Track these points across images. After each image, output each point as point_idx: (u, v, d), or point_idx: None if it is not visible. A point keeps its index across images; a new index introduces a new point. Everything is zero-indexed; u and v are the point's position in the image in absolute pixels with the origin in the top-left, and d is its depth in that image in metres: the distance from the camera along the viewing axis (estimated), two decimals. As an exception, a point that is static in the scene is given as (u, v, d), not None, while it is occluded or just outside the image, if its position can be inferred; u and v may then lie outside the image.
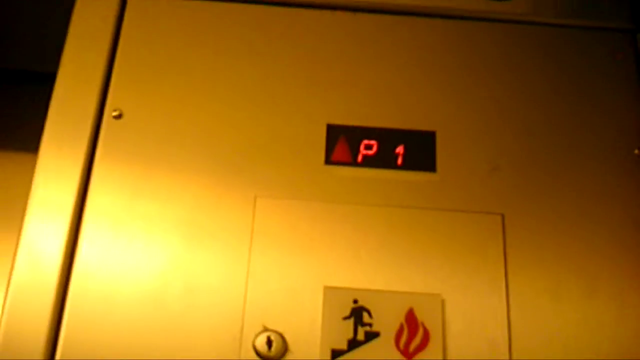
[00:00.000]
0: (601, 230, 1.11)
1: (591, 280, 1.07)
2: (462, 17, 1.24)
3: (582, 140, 1.16)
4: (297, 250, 1.05)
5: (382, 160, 1.12)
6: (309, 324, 1.01)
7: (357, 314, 1.01)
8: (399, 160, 1.12)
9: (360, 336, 1.00)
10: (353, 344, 1.00)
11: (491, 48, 1.22)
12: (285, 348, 0.99)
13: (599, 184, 1.14)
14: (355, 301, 1.02)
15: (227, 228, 1.06)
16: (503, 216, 1.09)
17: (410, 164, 1.12)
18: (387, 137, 1.13)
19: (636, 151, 1.16)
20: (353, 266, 1.05)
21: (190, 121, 1.13)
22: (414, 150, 1.13)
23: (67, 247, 1.05)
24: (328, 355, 0.99)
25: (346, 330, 1.01)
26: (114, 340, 1.00)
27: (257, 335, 1.00)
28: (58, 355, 0.99)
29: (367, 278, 1.04)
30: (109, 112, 1.13)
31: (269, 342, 0.99)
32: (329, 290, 1.03)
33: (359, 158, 1.12)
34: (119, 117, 1.12)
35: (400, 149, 1.12)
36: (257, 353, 0.99)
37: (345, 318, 1.01)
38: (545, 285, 1.06)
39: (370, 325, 1.01)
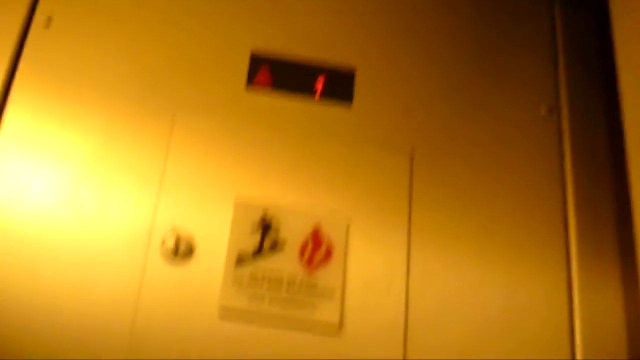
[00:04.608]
0: (505, 185, 1.16)
1: (488, 235, 1.12)
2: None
3: (496, 93, 1.22)
4: (211, 164, 1.08)
5: (302, 90, 1.16)
6: (217, 232, 1.04)
7: (265, 226, 1.04)
8: (318, 92, 1.16)
9: (267, 246, 1.03)
10: (259, 252, 1.03)
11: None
12: (192, 249, 1.02)
13: (507, 137, 1.19)
14: (264, 215, 1.05)
15: (145, 138, 1.09)
16: (412, 156, 1.14)
17: (328, 96, 1.16)
18: (309, 69, 1.17)
19: (542, 111, 1.22)
20: (264, 184, 1.08)
21: (116, 34, 1.15)
22: (333, 83, 1.17)
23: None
24: (234, 260, 1.02)
25: (253, 240, 1.04)
26: (30, 233, 1.01)
27: (166, 234, 1.02)
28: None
29: (276, 195, 1.07)
30: (38, 18, 1.14)
31: (177, 242, 1.01)
32: (239, 202, 1.06)
33: (279, 86, 1.15)
34: (48, 22, 1.13)
35: (320, 81, 1.16)
36: (165, 250, 1.01)
37: (253, 230, 1.04)
38: (446, 226, 1.11)
39: (276, 237, 1.04)
